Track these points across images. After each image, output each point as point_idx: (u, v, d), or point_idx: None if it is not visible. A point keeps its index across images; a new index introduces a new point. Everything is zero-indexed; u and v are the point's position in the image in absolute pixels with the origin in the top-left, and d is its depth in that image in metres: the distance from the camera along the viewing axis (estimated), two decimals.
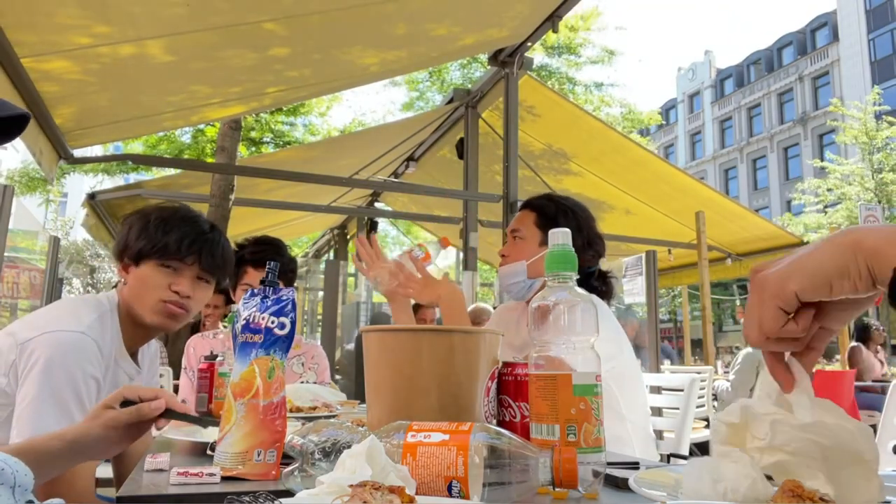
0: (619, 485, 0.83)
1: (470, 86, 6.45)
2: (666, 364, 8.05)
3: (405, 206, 8.94)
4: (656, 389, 2.42)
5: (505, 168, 5.10)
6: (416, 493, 0.67)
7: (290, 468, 0.79)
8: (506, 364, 1.01)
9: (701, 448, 4.33)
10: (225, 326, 3.65)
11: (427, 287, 1.67)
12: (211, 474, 0.86)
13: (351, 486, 0.58)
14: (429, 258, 1.72)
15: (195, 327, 3.95)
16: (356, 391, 4.13)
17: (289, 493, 0.71)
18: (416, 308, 3.47)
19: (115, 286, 1.57)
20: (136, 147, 9.33)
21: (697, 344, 16.98)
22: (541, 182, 6.09)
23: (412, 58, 4.95)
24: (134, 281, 1.46)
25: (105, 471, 1.72)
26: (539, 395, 0.84)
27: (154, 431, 1.32)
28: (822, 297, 0.61)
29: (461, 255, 6.35)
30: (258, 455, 0.90)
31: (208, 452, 1.01)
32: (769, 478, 0.63)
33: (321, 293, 6.40)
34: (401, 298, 1.72)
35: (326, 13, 3.52)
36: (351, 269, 8.45)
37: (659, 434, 2.27)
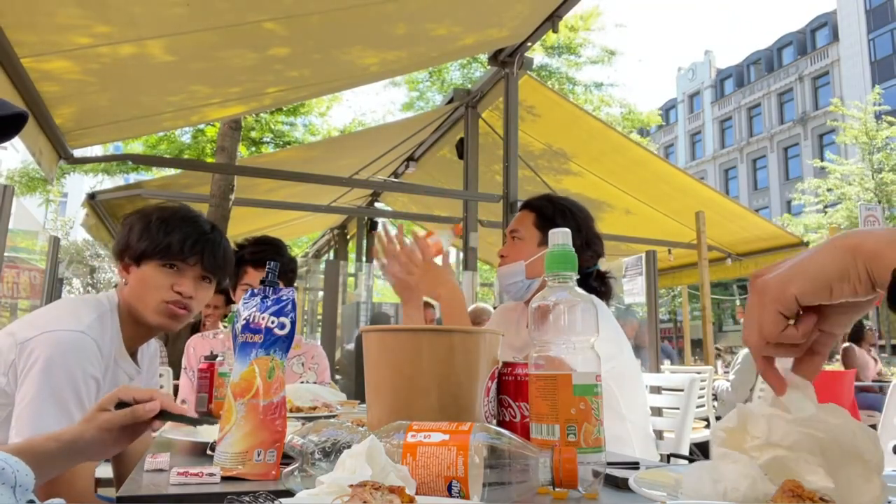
0: (619, 485, 0.83)
1: (470, 86, 6.46)
2: (666, 364, 8.04)
3: (405, 206, 8.94)
4: (656, 389, 2.41)
5: (505, 168, 5.10)
6: (416, 493, 0.67)
7: (290, 468, 0.79)
8: (506, 364, 1.01)
9: (701, 448, 4.33)
10: (225, 326, 3.65)
11: (429, 273, 1.63)
12: (211, 474, 0.86)
13: (351, 486, 0.58)
14: (431, 234, 1.68)
15: (195, 327, 3.94)
16: (356, 391, 4.13)
17: (289, 493, 0.71)
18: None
19: (116, 286, 1.57)
20: (136, 147, 9.33)
21: (697, 344, 16.97)
22: (541, 182, 6.09)
23: (412, 58, 4.95)
24: (135, 281, 1.46)
25: (105, 471, 1.72)
26: (539, 395, 0.84)
27: (154, 431, 1.32)
28: (823, 301, 0.60)
29: (461, 255, 6.36)
30: (258, 455, 0.90)
31: (208, 452, 1.01)
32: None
33: (321, 293, 6.39)
34: (413, 298, 1.69)
35: (326, 13, 3.52)
36: (351, 269, 8.46)
37: (659, 434, 2.27)
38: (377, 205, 9.01)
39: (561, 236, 0.90)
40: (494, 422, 0.99)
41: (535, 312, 0.87)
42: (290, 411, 1.41)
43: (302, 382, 2.21)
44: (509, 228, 1.88)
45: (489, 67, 5.52)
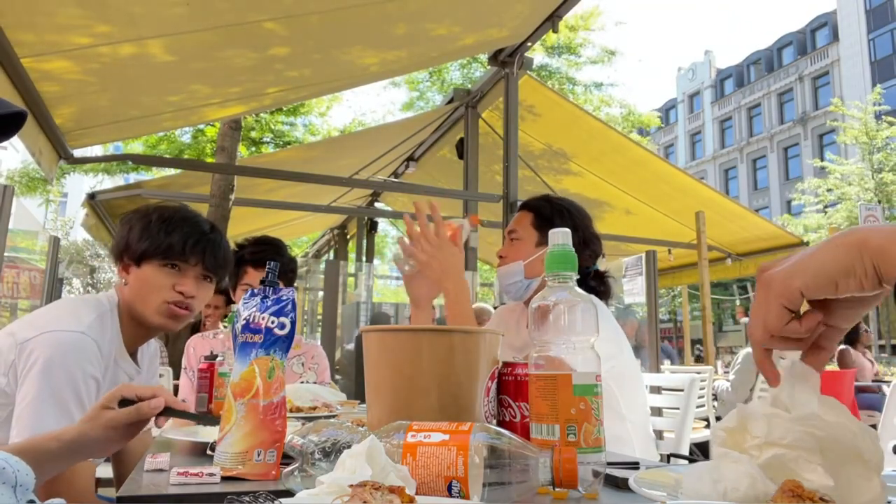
0: (619, 485, 0.83)
1: (470, 86, 6.45)
2: (666, 364, 8.05)
3: (405, 206, 8.93)
4: (656, 389, 2.42)
5: (505, 168, 5.10)
6: (416, 493, 0.67)
7: (290, 468, 0.79)
8: (506, 364, 1.01)
9: (701, 448, 4.33)
10: (225, 326, 3.65)
11: (441, 252, 1.54)
12: (211, 474, 0.86)
13: (351, 486, 0.58)
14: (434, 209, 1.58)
15: (195, 327, 3.95)
16: (356, 391, 4.13)
17: (289, 493, 0.71)
18: None
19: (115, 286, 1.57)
20: (136, 147, 9.33)
21: (697, 344, 16.97)
22: (541, 182, 6.09)
23: (412, 58, 4.95)
24: (136, 282, 1.46)
25: (105, 471, 1.72)
26: (539, 395, 0.84)
27: (154, 431, 1.32)
28: (828, 296, 0.61)
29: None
30: (258, 455, 0.90)
31: (208, 452, 1.01)
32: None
33: (321, 293, 6.39)
34: (424, 303, 1.65)
35: (326, 13, 3.52)
36: (351, 269, 8.46)
37: (659, 434, 2.27)
38: (377, 205, 9.01)
39: (561, 236, 0.90)
40: (494, 422, 0.99)
41: (535, 312, 0.87)
42: (290, 411, 1.41)
43: (302, 382, 2.21)
44: (508, 229, 1.88)
45: (489, 67, 5.52)
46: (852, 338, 6.17)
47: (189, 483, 0.84)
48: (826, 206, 21.35)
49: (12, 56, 2.77)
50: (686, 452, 2.16)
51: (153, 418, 1.11)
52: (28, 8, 2.67)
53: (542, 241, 1.78)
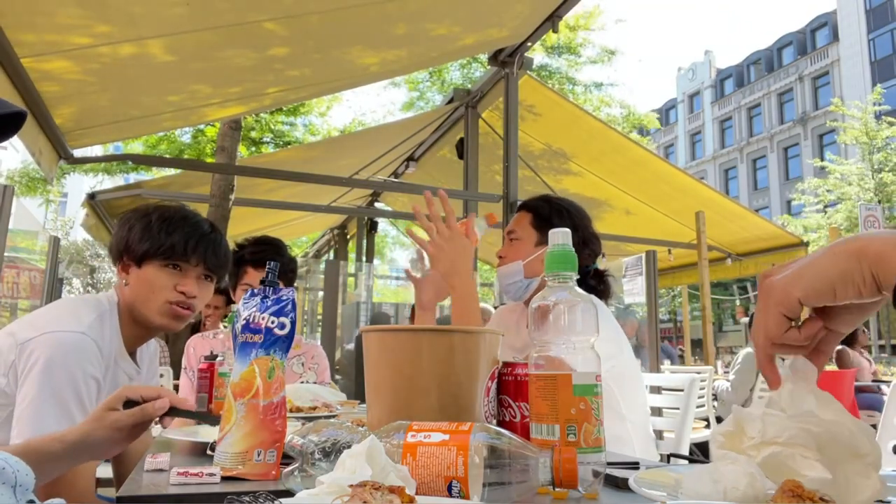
0: (619, 485, 0.83)
1: (470, 86, 6.45)
2: (666, 364, 8.05)
3: (405, 206, 8.93)
4: (656, 389, 2.42)
5: (505, 168, 5.10)
6: (416, 493, 0.67)
7: (290, 468, 0.79)
8: (506, 364, 1.01)
9: (701, 448, 4.33)
10: (225, 326, 3.65)
11: (451, 244, 1.54)
12: (211, 474, 0.86)
13: (351, 486, 0.58)
14: (469, 222, 1.60)
15: (195, 327, 3.95)
16: (356, 391, 4.13)
17: (289, 493, 0.71)
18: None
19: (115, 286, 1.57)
20: (136, 147, 9.34)
21: (697, 344, 16.97)
22: (541, 182, 6.09)
23: (412, 58, 4.95)
24: (137, 282, 1.46)
25: (105, 471, 1.72)
26: (539, 395, 0.84)
27: (154, 431, 1.32)
28: (827, 303, 0.62)
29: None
30: (258, 455, 0.90)
31: (208, 452, 1.01)
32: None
33: (321, 293, 6.40)
34: (430, 306, 1.66)
35: (326, 13, 3.52)
36: (351, 269, 8.46)
37: (659, 434, 2.27)
38: (377, 205, 9.01)
39: (561, 236, 0.90)
40: (494, 422, 0.99)
41: (534, 312, 0.87)
42: (290, 411, 1.41)
43: (302, 382, 2.21)
44: (507, 229, 1.89)
45: (489, 67, 5.51)
46: (850, 338, 6.17)
47: (189, 483, 0.84)
48: (826, 206, 21.35)
49: (12, 56, 2.77)
50: (686, 452, 2.16)
51: (159, 418, 1.11)
52: (28, 8, 2.67)
53: (542, 241, 1.79)
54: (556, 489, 0.74)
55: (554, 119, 5.89)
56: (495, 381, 1.00)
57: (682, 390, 2.27)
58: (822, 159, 22.69)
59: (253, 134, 9.51)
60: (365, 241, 9.27)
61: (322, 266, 7.45)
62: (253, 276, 2.22)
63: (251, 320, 0.95)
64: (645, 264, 5.61)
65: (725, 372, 6.98)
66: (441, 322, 2.36)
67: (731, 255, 7.44)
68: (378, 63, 4.51)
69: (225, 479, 0.87)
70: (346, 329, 6.26)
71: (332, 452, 0.77)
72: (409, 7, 3.81)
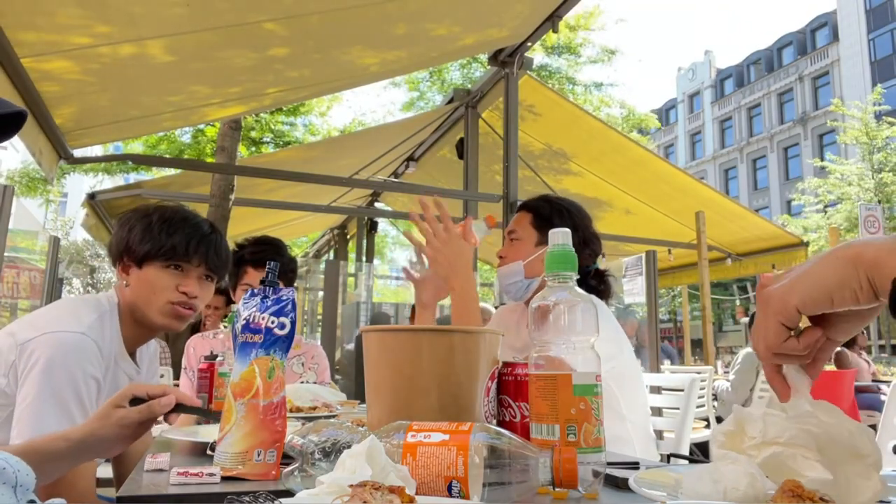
0: (619, 485, 0.83)
1: (470, 86, 6.45)
2: (666, 364, 8.05)
3: (405, 206, 8.93)
4: (656, 389, 2.42)
5: (505, 168, 5.10)
6: (416, 493, 0.67)
7: (290, 468, 0.79)
8: (506, 364, 1.01)
9: (701, 448, 4.33)
10: (225, 326, 3.65)
11: (449, 247, 1.54)
12: (211, 474, 0.86)
13: (351, 486, 0.58)
14: (467, 224, 1.60)
15: (195, 327, 3.95)
16: (356, 391, 4.13)
17: (289, 493, 0.71)
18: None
19: (115, 286, 1.57)
20: (136, 147, 9.34)
21: (697, 344, 16.98)
22: (541, 182, 6.09)
23: (412, 58, 4.95)
24: (139, 283, 1.47)
25: (105, 471, 1.72)
26: (539, 395, 0.84)
27: (155, 431, 1.32)
28: (824, 310, 0.62)
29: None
30: (258, 455, 0.90)
31: (208, 452, 1.01)
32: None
33: (321, 293, 6.39)
34: (430, 305, 1.66)
35: (326, 13, 3.52)
36: (351, 269, 8.46)
37: (659, 434, 2.27)
38: (377, 205, 9.01)
39: (561, 236, 0.90)
40: (494, 422, 0.99)
41: (535, 312, 0.87)
42: (290, 411, 1.41)
43: (302, 382, 2.21)
44: (507, 229, 1.89)
45: (489, 67, 5.52)
46: (849, 339, 6.18)
47: (189, 483, 0.84)
48: (826, 207, 21.35)
49: (12, 56, 2.77)
50: (686, 452, 2.16)
51: (164, 415, 1.12)
52: (28, 8, 2.67)
53: (542, 241, 1.79)
54: (556, 489, 0.74)
55: (554, 119, 5.89)
56: (495, 381, 1.00)
57: (682, 390, 2.27)
58: (822, 159, 22.69)
59: (253, 134, 9.52)
60: (365, 241, 9.28)
61: (322, 266, 7.44)
62: (253, 276, 2.22)
63: (251, 320, 0.95)
64: (645, 264, 5.61)
65: (725, 372, 6.98)
66: (441, 322, 2.35)
67: (731, 255, 7.44)
68: (378, 63, 4.51)
69: (225, 479, 0.87)
70: (346, 329, 6.26)
71: (332, 452, 0.77)
72: (409, 7, 3.81)
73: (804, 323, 0.65)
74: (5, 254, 3.51)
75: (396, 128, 6.65)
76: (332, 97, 9.90)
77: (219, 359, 1.63)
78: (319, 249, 11.86)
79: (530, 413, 0.87)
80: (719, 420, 4.73)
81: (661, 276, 7.17)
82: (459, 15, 4.15)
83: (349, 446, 0.70)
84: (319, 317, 6.61)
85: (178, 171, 6.42)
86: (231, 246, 1.72)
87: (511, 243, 1.84)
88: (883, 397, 4.53)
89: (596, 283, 1.82)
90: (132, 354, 1.53)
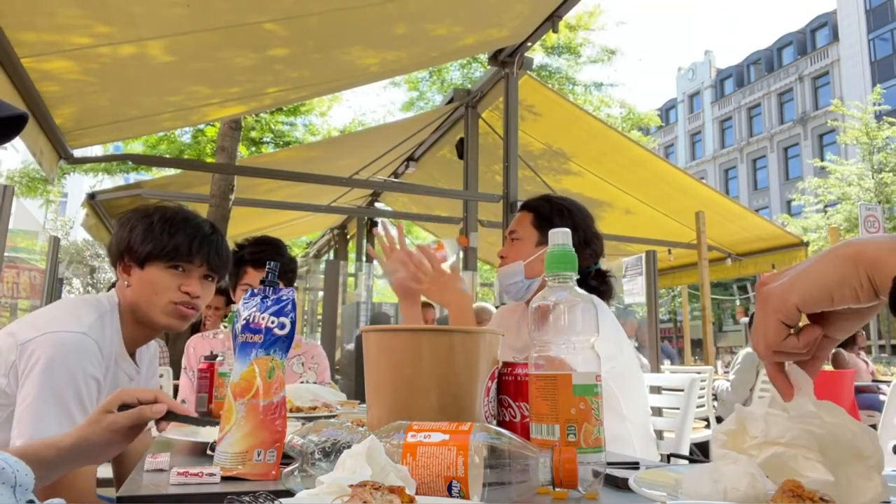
0: (619, 485, 0.83)
1: (470, 86, 6.46)
2: (666, 364, 8.05)
3: (405, 206, 8.94)
4: (656, 389, 2.42)
5: (505, 168, 5.10)
6: (416, 493, 0.67)
7: (290, 468, 0.79)
8: (506, 364, 1.01)
9: (701, 448, 4.33)
10: (225, 326, 3.65)
11: (437, 283, 1.66)
12: (211, 474, 0.86)
13: (351, 486, 0.58)
14: (441, 248, 1.70)
15: (195, 327, 3.95)
16: (356, 391, 4.13)
17: (289, 493, 0.71)
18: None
19: (113, 285, 1.57)
20: (136, 147, 9.34)
21: (697, 344, 16.98)
22: (541, 182, 6.09)
23: (412, 58, 4.95)
24: (140, 283, 1.47)
25: (105, 471, 1.72)
26: (539, 395, 0.84)
27: (154, 431, 1.32)
28: (824, 308, 0.62)
29: (462, 255, 6.36)
30: (258, 455, 0.90)
31: (208, 452, 1.01)
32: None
33: (321, 293, 6.39)
34: (412, 296, 1.72)
35: (326, 13, 3.53)
36: (351, 269, 8.46)
37: (659, 434, 2.27)
38: (377, 205, 9.01)
39: (561, 236, 0.90)
40: (494, 422, 0.99)
41: (535, 312, 0.87)
42: (290, 411, 1.41)
43: (302, 382, 2.21)
44: (508, 229, 1.89)
45: (489, 67, 5.52)
46: (848, 340, 6.16)
47: (189, 483, 0.84)
48: (826, 207, 21.34)
49: (12, 56, 2.77)
50: (686, 452, 2.16)
51: (155, 423, 1.11)
52: (28, 8, 2.67)
53: (543, 241, 1.78)
54: (556, 489, 0.74)
55: (554, 119, 5.90)
56: (495, 381, 1.00)
57: (682, 390, 2.27)
58: (822, 159, 22.68)
59: (253, 134, 9.52)
60: (365, 241, 9.28)
61: (322, 266, 7.44)
62: (253, 276, 2.22)
63: (251, 320, 0.95)
64: (645, 264, 5.61)
65: (725, 372, 6.98)
66: (440, 322, 2.36)
67: (731, 255, 7.44)
68: (378, 63, 4.51)
69: (225, 479, 0.87)
70: (346, 329, 6.26)
71: (332, 452, 0.76)
72: (409, 7, 3.81)
73: (803, 321, 0.65)
74: (5, 254, 3.51)
75: (396, 128, 6.66)
76: (332, 97, 9.91)
77: (219, 359, 1.63)
78: (319, 249, 11.86)
79: (530, 413, 0.87)
80: (719, 420, 4.73)
81: (661, 276, 7.17)
82: (459, 15, 4.15)
83: (349, 446, 0.70)
84: (319, 317, 6.61)
85: (178, 171, 6.43)
86: (231, 246, 1.72)
87: (511, 243, 1.84)
88: (883, 397, 4.53)
89: (597, 283, 1.81)
90: (132, 355, 1.54)
